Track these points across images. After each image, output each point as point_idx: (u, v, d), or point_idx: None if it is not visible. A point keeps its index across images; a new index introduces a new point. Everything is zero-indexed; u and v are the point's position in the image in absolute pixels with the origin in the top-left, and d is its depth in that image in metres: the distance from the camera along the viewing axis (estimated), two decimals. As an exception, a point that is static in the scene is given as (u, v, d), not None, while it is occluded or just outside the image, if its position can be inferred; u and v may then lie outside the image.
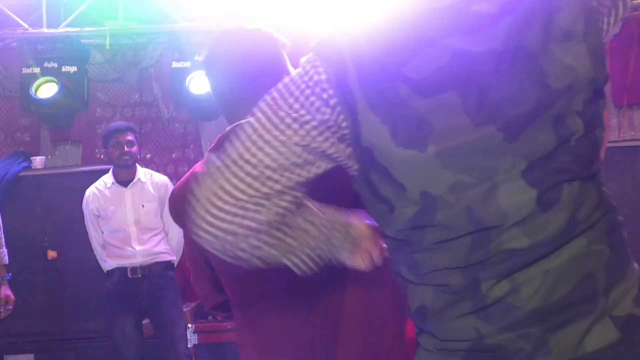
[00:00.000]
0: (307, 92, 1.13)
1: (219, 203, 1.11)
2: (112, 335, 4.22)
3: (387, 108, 1.09)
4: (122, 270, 4.21)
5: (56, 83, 4.80)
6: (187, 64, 4.88)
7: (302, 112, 1.12)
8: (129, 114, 5.62)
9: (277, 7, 4.86)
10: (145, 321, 4.42)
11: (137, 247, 4.22)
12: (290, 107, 1.13)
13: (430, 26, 1.09)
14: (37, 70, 4.85)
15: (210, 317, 4.52)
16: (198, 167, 1.73)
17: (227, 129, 1.66)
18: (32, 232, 4.59)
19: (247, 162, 1.11)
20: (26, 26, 4.84)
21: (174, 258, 4.41)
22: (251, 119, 1.15)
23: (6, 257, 4.22)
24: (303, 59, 1.18)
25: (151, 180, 4.41)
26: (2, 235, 4.22)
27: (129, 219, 4.26)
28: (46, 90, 4.83)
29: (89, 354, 4.61)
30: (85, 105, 5.13)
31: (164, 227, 4.39)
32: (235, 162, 1.12)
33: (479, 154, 1.09)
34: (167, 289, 4.28)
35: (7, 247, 4.20)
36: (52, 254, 4.64)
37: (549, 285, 1.10)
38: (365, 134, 1.10)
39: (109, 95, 5.71)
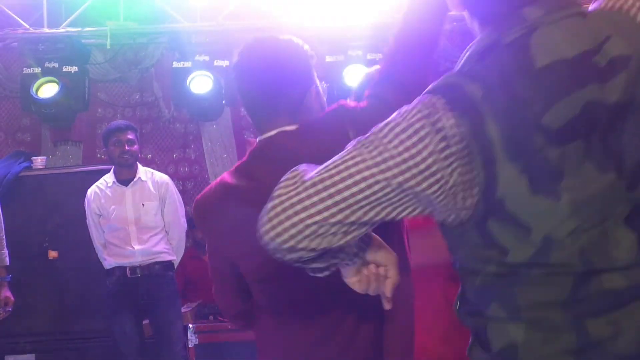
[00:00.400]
0: (422, 133, 1.11)
1: (308, 220, 1.12)
2: (113, 334, 4.21)
3: (525, 158, 1.11)
4: (121, 269, 4.21)
5: (57, 83, 4.80)
6: (188, 64, 4.89)
7: (413, 151, 1.10)
8: (130, 114, 5.62)
9: (278, 5, 4.86)
10: (146, 321, 4.42)
11: (137, 247, 4.20)
12: (402, 144, 1.12)
13: (563, 76, 1.12)
14: (38, 70, 4.86)
15: (210, 317, 4.52)
16: (228, 176, 1.77)
17: (271, 134, 1.68)
18: (33, 232, 4.58)
19: (348, 188, 1.12)
20: (27, 26, 4.84)
21: (174, 258, 4.39)
22: (357, 148, 1.14)
23: (7, 259, 4.19)
24: (425, 100, 1.15)
25: (152, 179, 4.39)
26: (4, 237, 4.20)
27: (129, 217, 4.25)
28: (47, 90, 4.84)
29: (90, 354, 4.60)
30: (86, 105, 5.13)
31: (164, 227, 4.38)
32: (334, 185, 1.12)
33: (601, 201, 1.14)
34: (165, 289, 4.27)
35: (7, 247, 4.19)
36: (52, 254, 4.63)
37: None
38: (502, 184, 1.12)
39: (110, 95, 5.71)
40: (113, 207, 4.25)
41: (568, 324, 1.16)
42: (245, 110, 1.81)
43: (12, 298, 4.14)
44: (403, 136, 1.11)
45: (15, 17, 4.84)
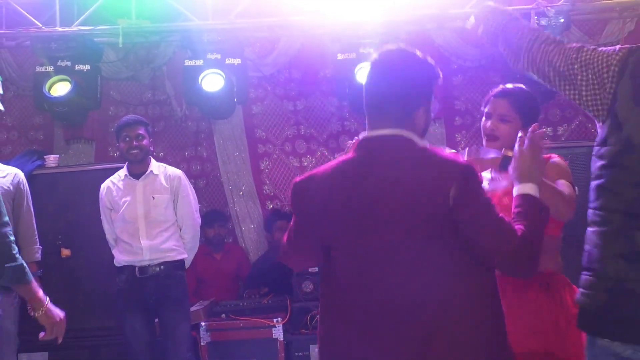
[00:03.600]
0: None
1: None
2: (124, 332, 4.20)
3: (637, 80, 1.77)
4: (130, 268, 4.18)
5: (69, 81, 4.81)
6: (200, 62, 4.89)
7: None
8: (142, 112, 5.62)
9: (290, 3, 4.85)
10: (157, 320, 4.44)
11: (145, 243, 4.16)
12: None
13: None
14: (50, 68, 4.87)
15: (222, 316, 4.52)
16: (333, 163, 2.08)
17: (383, 132, 1.97)
18: (46, 231, 4.58)
19: None
20: (39, 25, 4.86)
21: (185, 256, 4.33)
22: None
23: (38, 254, 4.16)
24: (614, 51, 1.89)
25: (164, 172, 4.36)
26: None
27: (139, 210, 4.21)
28: (59, 88, 4.85)
29: (103, 351, 4.62)
30: (98, 103, 5.14)
31: (175, 222, 4.32)
32: None
33: None
34: (173, 290, 4.20)
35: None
36: (65, 252, 4.64)
37: None
38: (621, 91, 1.79)
39: (122, 93, 5.73)
40: (124, 200, 4.23)
41: (623, 232, 1.68)
42: (364, 105, 2.04)
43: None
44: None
45: (28, 15, 4.85)
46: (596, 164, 1.82)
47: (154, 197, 4.25)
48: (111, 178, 4.33)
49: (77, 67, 4.86)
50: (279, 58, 5.45)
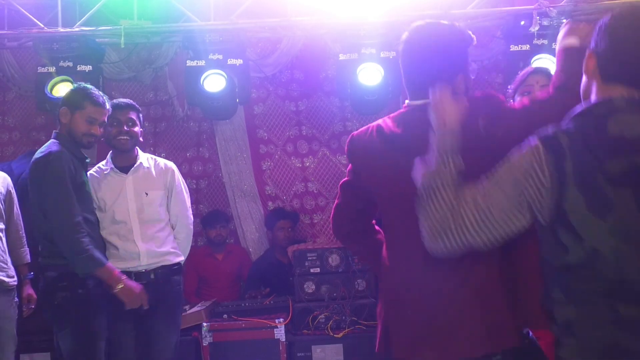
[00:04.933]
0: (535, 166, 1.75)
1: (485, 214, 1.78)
2: (107, 339, 3.72)
3: (588, 188, 1.69)
4: (127, 274, 3.66)
5: (71, 82, 4.81)
6: (202, 63, 4.88)
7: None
8: (144, 112, 5.54)
9: (292, 4, 4.84)
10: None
11: (141, 246, 3.76)
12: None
13: (627, 145, 1.70)
14: (52, 69, 4.87)
15: (224, 316, 4.52)
16: (383, 122, 2.29)
17: (421, 102, 2.15)
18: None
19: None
20: (42, 25, 4.86)
21: (181, 259, 3.97)
22: None
23: (28, 256, 4.22)
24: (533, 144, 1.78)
25: (155, 165, 3.96)
26: (23, 235, 4.20)
27: (131, 209, 3.79)
28: (61, 89, 4.85)
29: (105, 352, 4.61)
30: (100, 104, 5.14)
31: (169, 221, 3.94)
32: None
33: (636, 227, 1.68)
34: (167, 298, 3.83)
35: (28, 245, 4.21)
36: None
37: None
38: (568, 200, 1.71)
39: (124, 94, 5.72)
40: (112, 197, 3.80)
41: (608, 307, 1.69)
42: (403, 80, 2.22)
43: (35, 295, 4.15)
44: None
45: (30, 16, 4.86)
46: (556, 263, 1.78)
47: (146, 194, 3.84)
48: (92, 171, 3.87)
49: (79, 68, 4.86)
50: (280, 58, 5.44)
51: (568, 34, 2.20)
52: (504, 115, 2.07)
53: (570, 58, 2.11)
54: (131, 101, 4.03)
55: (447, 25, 2.18)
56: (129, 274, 3.70)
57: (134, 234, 3.77)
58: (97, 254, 3.49)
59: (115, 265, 3.63)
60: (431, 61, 2.13)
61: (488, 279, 2.06)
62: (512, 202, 1.76)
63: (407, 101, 2.22)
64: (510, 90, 3.06)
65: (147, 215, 3.83)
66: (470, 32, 2.20)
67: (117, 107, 3.83)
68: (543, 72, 3.03)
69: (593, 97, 1.85)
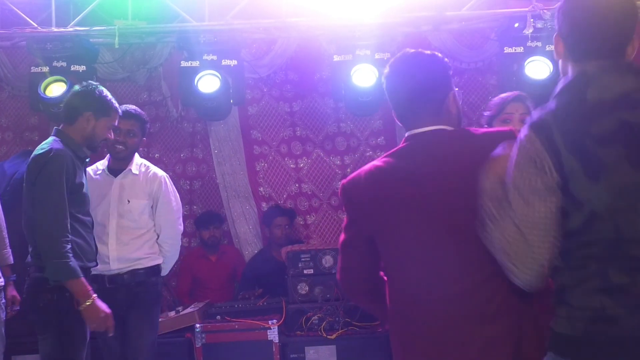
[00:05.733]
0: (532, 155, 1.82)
1: None
2: (96, 342, 3.78)
3: (581, 154, 1.75)
4: (100, 277, 3.71)
5: (65, 82, 4.80)
6: (196, 64, 4.88)
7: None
8: (138, 113, 5.61)
9: (287, 5, 4.85)
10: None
11: (112, 251, 3.77)
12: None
13: (608, 105, 1.79)
14: (46, 69, 4.85)
15: (218, 317, 4.51)
16: (378, 162, 2.17)
17: (426, 129, 2.14)
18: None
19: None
20: (35, 25, 4.84)
21: (159, 262, 3.96)
22: None
23: (10, 258, 4.12)
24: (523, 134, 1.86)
25: (145, 173, 3.97)
26: (6, 236, 4.12)
27: (112, 213, 3.83)
28: (55, 89, 4.84)
29: (96, 354, 4.59)
30: (94, 104, 5.12)
31: (152, 229, 3.95)
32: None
33: (634, 189, 1.75)
34: (143, 297, 3.82)
35: (15, 246, 4.16)
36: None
37: None
38: (566, 168, 1.77)
39: (118, 94, 5.66)
40: (98, 198, 3.81)
41: (598, 272, 1.77)
42: (393, 110, 2.20)
43: (19, 297, 4.11)
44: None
45: (24, 15, 4.84)
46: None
47: (129, 201, 3.88)
48: (89, 169, 3.89)
49: (72, 68, 4.84)
50: (275, 59, 5.44)
51: None
52: None
53: None
54: (137, 110, 4.04)
55: (427, 54, 2.20)
56: (102, 277, 3.72)
57: (109, 237, 3.81)
58: (74, 264, 3.29)
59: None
60: (422, 87, 2.13)
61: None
62: (540, 197, 1.79)
63: (407, 133, 2.18)
64: (486, 116, 3.00)
65: (126, 222, 3.86)
66: (447, 60, 2.23)
67: (121, 115, 3.81)
68: (522, 100, 2.97)
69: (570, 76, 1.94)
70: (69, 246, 3.29)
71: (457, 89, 2.19)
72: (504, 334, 1.98)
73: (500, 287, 1.97)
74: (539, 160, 1.80)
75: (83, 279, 3.32)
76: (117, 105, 3.64)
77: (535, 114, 1.88)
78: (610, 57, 1.88)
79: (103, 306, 3.35)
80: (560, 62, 2.00)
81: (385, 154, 2.20)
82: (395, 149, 2.18)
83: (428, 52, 2.20)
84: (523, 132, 1.85)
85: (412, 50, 2.21)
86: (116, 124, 3.66)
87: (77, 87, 3.67)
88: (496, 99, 3.00)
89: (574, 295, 1.81)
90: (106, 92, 3.64)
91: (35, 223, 3.34)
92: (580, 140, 1.76)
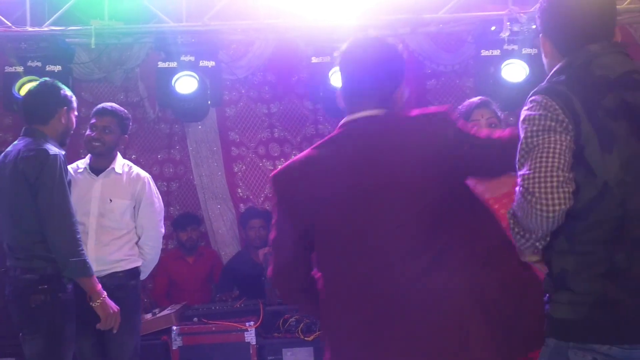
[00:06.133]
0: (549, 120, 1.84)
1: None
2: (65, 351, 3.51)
3: (596, 124, 1.81)
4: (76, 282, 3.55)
5: (40, 82, 4.74)
6: (174, 64, 4.85)
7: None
8: (114, 114, 5.56)
9: (265, 6, 4.84)
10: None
11: (91, 252, 3.66)
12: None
13: (612, 82, 1.87)
14: (20, 69, 4.79)
15: (195, 319, 4.48)
16: (310, 151, 2.12)
17: (358, 115, 2.05)
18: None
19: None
20: (9, 24, 4.78)
21: (138, 264, 3.88)
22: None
23: None
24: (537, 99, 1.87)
25: (128, 173, 3.91)
26: None
27: (92, 213, 3.77)
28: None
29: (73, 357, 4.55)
30: (70, 105, 5.07)
31: (132, 230, 3.88)
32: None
33: (635, 158, 1.82)
34: (122, 303, 3.66)
35: None
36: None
37: None
38: (583, 136, 1.80)
39: (94, 95, 5.66)
40: (78, 197, 3.72)
41: (604, 257, 1.80)
42: (341, 94, 2.14)
43: None
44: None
45: (-3, 14, 4.78)
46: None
47: (111, 200, 3.81)
48: (70, 167, 3.77)
49: (47, 68, 4.79)
50: (253, 61, 5.43)
51: None
52: (465, 131, 2.06)
53: None
54: (115, 107, 3.99)
55: (386, 42, 2.15)
56: None
57: (88, 238, 3.73)
58: (89, 261, 3.43)
59: None
60: (375, 73, 2.08)
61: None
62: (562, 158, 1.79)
63: (344, 119, 2.10)
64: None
65: (107, 221, 3.79)
66: (403, 52, 2.17)
67: (98, 113, 3.87)
68: (488, 105, 2.97)
69: None
70: (82, 245, 3.41)
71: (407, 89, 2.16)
72: (450, 320, 1.92)
73: (446, 273, 1.94)
74: (560, 120, 1.81)
75: (95, 277, 3.47)
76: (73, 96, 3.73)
77: (543, 85, 1.90)
78: (605, 38, 1.95)
79: (112, 304, 3.52)
80: (547, 61, 2.04)
81: (317, 143, 2.14)
82: (328, 137, 2.12)
83: (390, 41, 2.17)
84: (535, 99, 1.86)
85: (374, 36, 2.19)
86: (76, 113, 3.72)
87: (34, 86, 3.72)
88: (463, 106, 3.00)
89: (577, 281, 1.83)
90: (59, 84, 3.73)
91: (43, 224, 3.35)
92: (594, 111, 1.81)
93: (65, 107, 3.60)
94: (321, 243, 2.07)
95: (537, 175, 1.78)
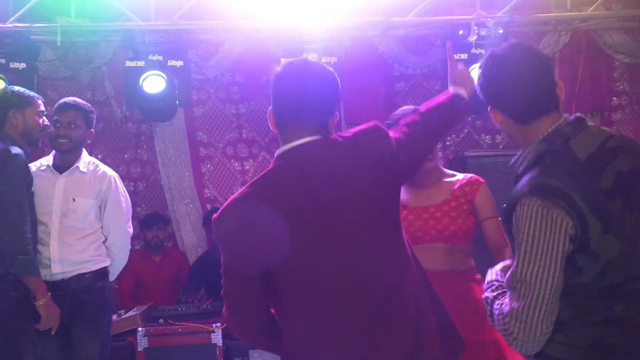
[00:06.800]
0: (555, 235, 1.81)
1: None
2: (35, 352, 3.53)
3: (599, 212, 1.80)
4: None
5: (4, 80, 4.66)
6: (141, 63, 4.82)
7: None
8: (80, 112, 5.49)
9: (234, 7, 4.83)
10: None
11: (54, 253, 3.60)
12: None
13: (599, 158, 1.87)
14: (-17, 66, 4.72)
15: (161, 320, 4.45)
16: (253, 186, 2.01)
17: (299, 142, 1.97)
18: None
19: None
20: (-28, 20, 4.70)
21: (106, 264, 3.79)
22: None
23: None
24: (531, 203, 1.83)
25: (94, 172, 3.79)
26: None
27: (55, 212, 3.64)
28: (-6, 86, 4.70)
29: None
30: (35, 103, 5.00)
31: (98, 230, 3.77)
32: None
33: (635, 234, 1.85)
34: (89, 305, 3.65)
35: None
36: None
37: None
38: (590, 230, 1.79)
39: (60, 93, 5.57)
40: (40, 196, 3.64)
41: (603, 307, 1.83)
42: (275, 118, 2.04)
43: None
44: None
45: (-39, 10, 4.70)
46: (565, 279, 1.84)
47: (74, 199, 3.69)
48: (32, 165, 3.72)
49: (12, 65, 4.70)
50: (222, 61, 5.41)
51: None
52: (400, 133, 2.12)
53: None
54: (77, 101, 3.86)
55: (323, 66, 2.06)
56: (45, 283, 3.52)
57: (50, 238, 3.63)
58: (36, 261, 3.49)
59: None
60: (312, 99, 1.99)
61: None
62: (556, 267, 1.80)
63: (280, 149, 2.00)
64: (387, 123, 3.03)
65: (70, 221, 3.68)
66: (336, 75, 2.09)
67: (61, 108, 3.76)
68: None
69: (522, 140, 1.97)
70: (31, 244, 3.45)
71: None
72: (404, 332, 1.96)
73: (402, 290, 1.99)
74: (559, 225, 1.78)
75: (41, 277, 3.50)
76: (32, 93, 3.76)
77: (532, 181, 1.84)
78: (557, 109, 1.95)
79: (54, 305, 3.53)
80: (505, 129, 2.02)
81: (255, 179, 2.02)
82: (265, 171, 2.01)
83: (323, 64, 2.10)
84: (532, 204, 1.80)
85: (312, 61, 2.10)
86: (42, 109, 3.71)
87: None
88: (396, 112, 3.01)
89: (573, 328, 1.85)
90: (17, 87, 3.81)
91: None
92: (596, 198, 1.80)
93: (14, 109, 3.61)
94: (280, 279, 1.97)
95: (522, 314, 1.80)
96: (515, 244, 1.85)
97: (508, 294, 1.86)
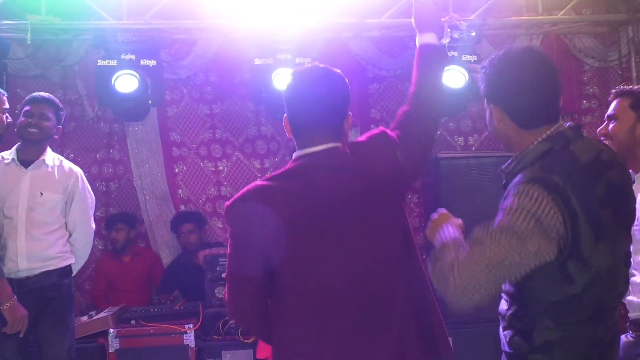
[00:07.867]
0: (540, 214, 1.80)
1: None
2: None
3: (591, 218, 1.81)
4: (7, 281, 3.51)
5: (-28, 78, 4.60)
6: (114, 63, 4.77)
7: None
8: (51, 111, 5.43)
9: (208, 6, 4.81)
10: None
11: (21, 247, 3.57)
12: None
13: (597, 166, 1.90)
14: (-49, 63, 4.64)
15: (132, 322, 4.41)
16: (269, 181, 2.05)
17: (320, 148, 2.07)
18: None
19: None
20: (-60, 17, 4.62)
21: (71, 262, 3.82)
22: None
23: None
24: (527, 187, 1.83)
25: (60, 166, 3.79)
26: None
27: (21, 206, 3.62)
28: (-38, 84, 4.63)
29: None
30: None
31: (63, 225, 3.78)
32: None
33: (620, 247, 1.92)
34: (55, 303, 3.65)
35: None
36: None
37: None
38: (582, 235, 1.80)
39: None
40: (5, 190, 3.63)
41: (585, 331, 1.88)
42: (291, 126, 2.10)
43: None
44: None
45: None
46: (553, 298, 1.88)
47: (41, 194, 3.67)
48: None
49: (-20, 63, 4.65)
50: (195, 61, 5.39)
51: None
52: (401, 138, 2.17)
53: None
54: (50, 96, 3.89)
55: (333, 71, 2.12)
56: (9, 281, 3.52)
57: (17, 232, 3.60)
58: (1, 264, 3.41)
59: None
60: (326, 105, 2.06)
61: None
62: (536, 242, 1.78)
63: (297, 153, 2.09)
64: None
65: (37, 215, 3.66)
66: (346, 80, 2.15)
67: (33, 100, 3.76)
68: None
69: (518, 142, 1.98)
70: None
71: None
72: (395, 334, 2.03)
73: (396, 300, 2.05)
74: (550, 216, 1.78)
75: (5, 280, 3.44)
76: None
77: (533, 174, 1.85)
78: (558, 119, 1.98)
79: (21, 307, 3.47)
80: (501, 128, 2.01)
81: (272, 175, 2.09)
82: (285, 168, 2.09)
83: (335, 70, 2.13)
84: (529, 189, 1.81)
85: (322, 66, 2.15)
86: (7, 106, 3.64)
87: None
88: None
89: (560, 350, 1.89)
90: None
91: None
92: (589, 203, 1.82)
93: None
94: (284, 271, 2.04)
95: (469, 267, 1.77)
96: (500, 211, 1.84)
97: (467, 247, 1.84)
